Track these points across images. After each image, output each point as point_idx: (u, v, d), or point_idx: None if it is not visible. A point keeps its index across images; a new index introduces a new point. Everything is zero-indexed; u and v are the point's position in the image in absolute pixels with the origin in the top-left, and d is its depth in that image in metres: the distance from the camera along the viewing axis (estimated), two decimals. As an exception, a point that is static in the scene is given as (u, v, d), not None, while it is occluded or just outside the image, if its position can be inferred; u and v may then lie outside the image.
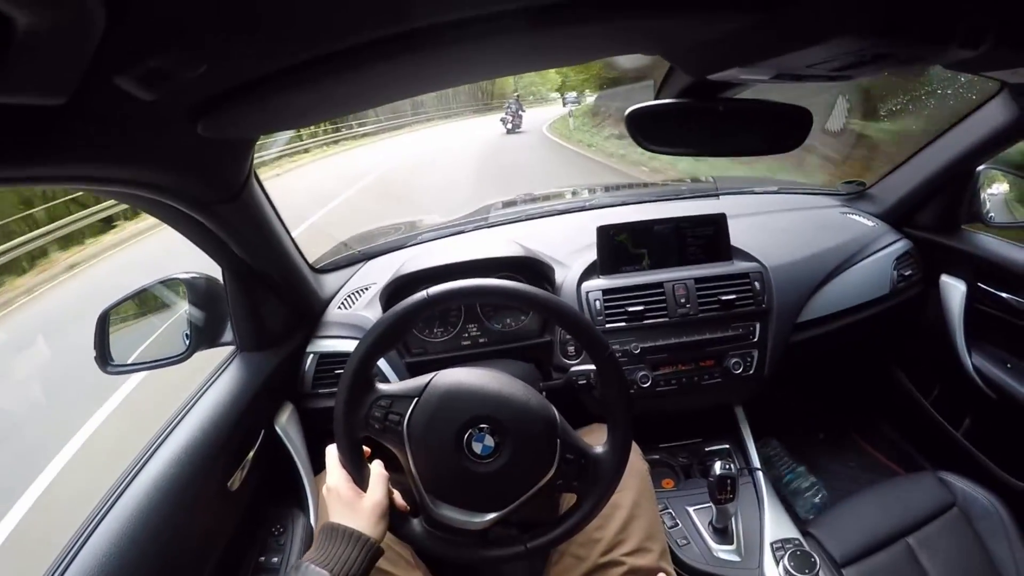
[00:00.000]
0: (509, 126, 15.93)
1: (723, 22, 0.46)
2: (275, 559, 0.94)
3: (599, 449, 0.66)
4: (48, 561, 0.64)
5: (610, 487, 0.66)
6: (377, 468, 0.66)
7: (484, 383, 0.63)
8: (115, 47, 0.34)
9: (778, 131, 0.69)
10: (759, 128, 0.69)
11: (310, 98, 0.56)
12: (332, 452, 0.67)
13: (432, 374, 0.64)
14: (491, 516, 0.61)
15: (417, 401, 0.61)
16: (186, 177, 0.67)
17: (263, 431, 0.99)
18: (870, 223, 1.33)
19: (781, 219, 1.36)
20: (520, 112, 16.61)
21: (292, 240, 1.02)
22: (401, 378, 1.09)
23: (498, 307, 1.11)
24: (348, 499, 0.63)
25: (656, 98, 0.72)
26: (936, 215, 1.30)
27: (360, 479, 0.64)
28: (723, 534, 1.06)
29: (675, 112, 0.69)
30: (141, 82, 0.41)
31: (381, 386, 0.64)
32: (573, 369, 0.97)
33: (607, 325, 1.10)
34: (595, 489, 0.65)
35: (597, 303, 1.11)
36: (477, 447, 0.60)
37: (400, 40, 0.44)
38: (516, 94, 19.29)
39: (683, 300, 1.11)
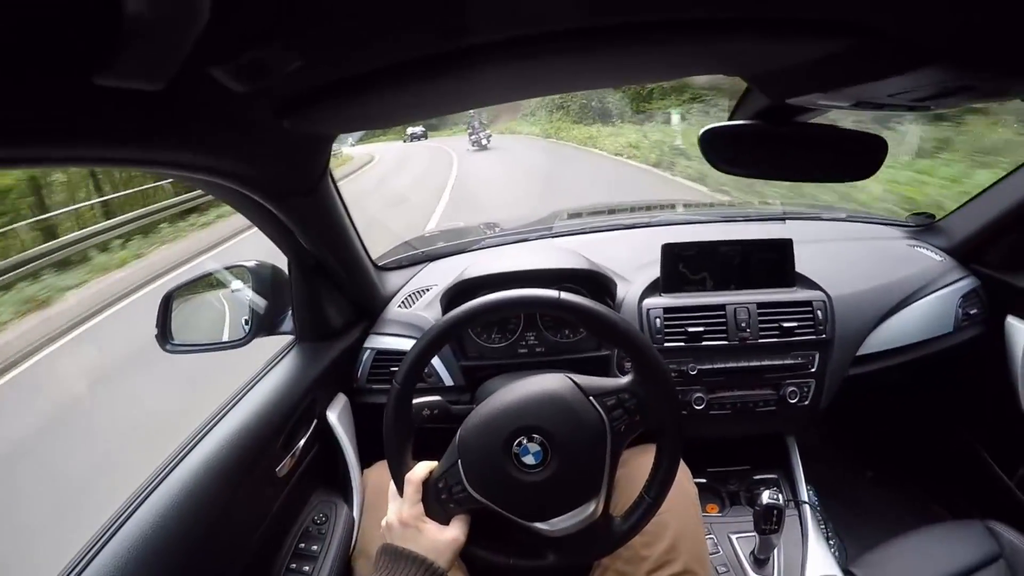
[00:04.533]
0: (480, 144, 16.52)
1: (808, 48, 0.45)
2: (315, 547, 0.94)
3: (625, 379, 0.63)
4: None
5: (675, 405, 0.63)
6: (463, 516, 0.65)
7: (493, 407, 0.63)
8: (215, 38, 0.33)
9: (852, 158, 0.67)
10: (833, 154, 0.67)
11: (399, 99, 0.56)
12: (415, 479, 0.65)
13: (456, 437, 0.64)
14: (592, 505, 0.60)
15: (460, 462, 0.62)
16: (267, 169, 0.67)
17: (315, 421, 1.00)
18: (937, 257, 1.28)
19: (847, 248, 1.32)
20: (486, 132, 16.84)
21: (359, 237, 1.03)
22: (455, 380, 1.10)
23: (558, 319, 1.10)
24: (432, 533, 0.62)
25: (731, 119, 0.70)
26: (1007, 254, 1.24)
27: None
28: (763, 565, 1.04)
29: (750, 134, 0.68)
30: (235, 74, 0.42)
31: (426, 464, 0.65)
32: None
33: (665, 344, 1.09)
34: (665, 409, 0.62)
35: (657, 321, 1.10)
36: (528, 459, 0.59)
37: (490, 49, 0.44)
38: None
39: (744, 324, 1.09)
